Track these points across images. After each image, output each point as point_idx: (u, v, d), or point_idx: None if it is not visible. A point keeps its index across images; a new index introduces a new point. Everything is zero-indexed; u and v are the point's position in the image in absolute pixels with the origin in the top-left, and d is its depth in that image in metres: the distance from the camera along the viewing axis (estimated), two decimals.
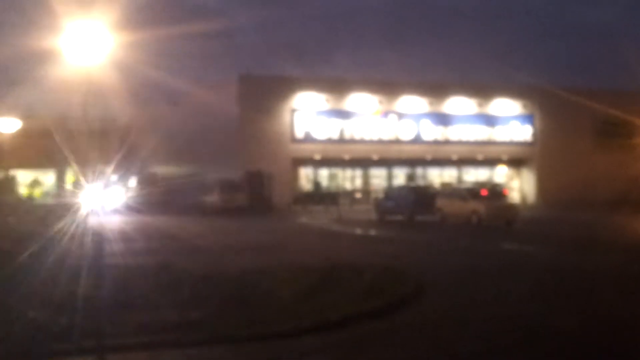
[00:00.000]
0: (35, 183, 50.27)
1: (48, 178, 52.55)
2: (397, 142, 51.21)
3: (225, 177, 44.00)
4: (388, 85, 51.18)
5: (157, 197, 53.60)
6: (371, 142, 50.70)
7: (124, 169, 62.35)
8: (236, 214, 38.94)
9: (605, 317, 10.23)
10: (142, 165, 61.62)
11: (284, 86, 48.73)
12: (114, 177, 41.40)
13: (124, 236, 20.64)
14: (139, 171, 58.24)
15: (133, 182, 56.25)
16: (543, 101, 53.95)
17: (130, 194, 55.47)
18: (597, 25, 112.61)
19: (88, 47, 20.53)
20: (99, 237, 9.05)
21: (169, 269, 12.58)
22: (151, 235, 23.16)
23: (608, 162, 52.25)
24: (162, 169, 59.27)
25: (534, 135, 54.71)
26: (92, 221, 20.72)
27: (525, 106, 54.55)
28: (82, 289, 9.90)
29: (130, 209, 37.90)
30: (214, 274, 12.60)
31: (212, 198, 42.61)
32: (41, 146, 49.42)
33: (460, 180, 52.83)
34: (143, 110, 63.66)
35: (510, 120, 54.26)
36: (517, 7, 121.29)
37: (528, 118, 54.79)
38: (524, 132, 54.68)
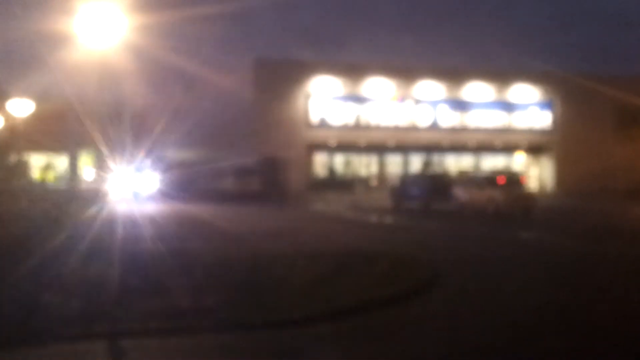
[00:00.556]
0: (48, 167, 50.28)
1: (61, 162, 52.56)
2: (414, 128, 50.75)
3: (239, 162, 43.77)
4: (405, 71, 50.63)
5: (172, 184, 53.63)
6: (387, 128, 50.27)
7: (142, 154, 62.53)
8: (251, 200, 38.74)
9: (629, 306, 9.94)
10: (158, 151, 61.63)
11: (299, 71, 48.35)
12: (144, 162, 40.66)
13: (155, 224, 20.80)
14: (154, 157, 58.20)
15: (149, 167, 56.15)
16: (562, 88, 53.24)
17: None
18: (617, 11, 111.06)
19: (102, 30, 20.33)
20: (113, 223, 9.16)
21: (184, 254, 12.62)
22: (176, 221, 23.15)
23: (628, 151, 51.53)
24: (176, 155, 59.22)
25: (553, 122, 54.05)
26: (124, 207, 20.86)
27: (544, 92, 53.84)
28: (94, 274, 10.12)
29: (159, 195, 38.61)
30: (228, 259, 12.56)
31: (227, 184, 42.39)
32: (55, 129, 49.46)
33: (477, 168, 52.28)
34: (158, 95, 63.60)
35: (528, 106, 53.62)
36: None
37: (547, 105, 54.10)
38: (543, 119, 54.02)
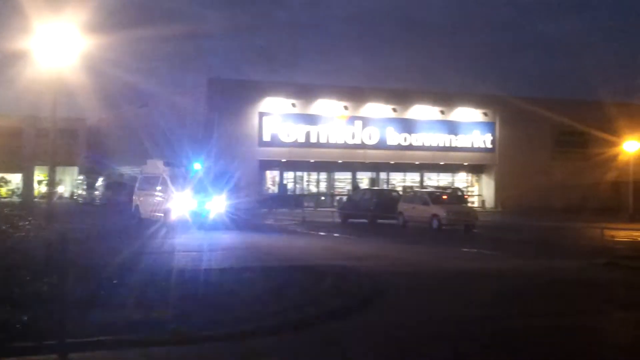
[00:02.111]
0: (1, 181, 50.05)
1: (16, 176, 52.46)
2: (362, 146, 52.15)
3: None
4: (354, 92, 52.17)
5: (124, 198, 53.79)
6: (336, 146, 51.56)
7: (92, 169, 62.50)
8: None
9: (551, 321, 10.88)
10: (110, 166, 61.75)
11: (253, 90, 49.35)
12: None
13: None
14: (106, 173, 58.29)
15: (100, 183, 56.13)
16: (503, 110, 55.32)
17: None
18: (556, 38, 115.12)
19: (58, 48, 21.03)
20: (62, 235, 8.85)
21: (132, 268, 12.62)
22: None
23: (565, 170, 53.86)
24: (129, 170, 59.44)
25: (494, 142, 56.04)
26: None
27: (486, 114, 55.86)
28: (45, 288, 9.97)
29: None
30: (178, 272, 12.73)
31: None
32: (9, 145, 49.45)
33: (422, 184, 53.95)
34: (113, 111, 63.87)
35: (471, 127, 55.53)
36: (479, 19, 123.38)
37: (489, 126, 56.12)
38: (485, 140, 56.01)
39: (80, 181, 62.02)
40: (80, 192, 60.23)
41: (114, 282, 11.43)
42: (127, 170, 59.18)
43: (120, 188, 54.78)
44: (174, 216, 28.39)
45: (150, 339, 8.88)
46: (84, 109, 59.39)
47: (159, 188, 30.30)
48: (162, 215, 29.02)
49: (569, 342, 9.53)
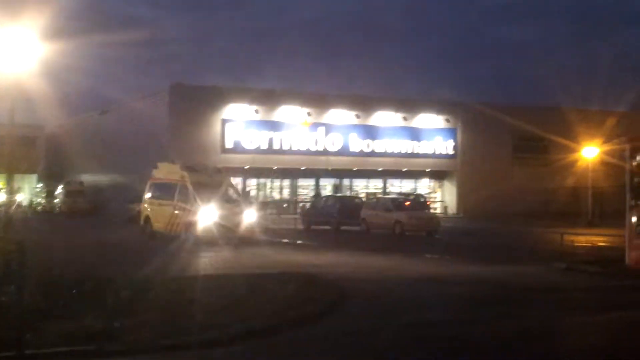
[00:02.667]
0: None
1: None
2: (325, 153, 52.20)
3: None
4: (317, 98, 52.22)
5: (84, 206, 53.17)
6: (299, 152, 51.54)
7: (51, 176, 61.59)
8: None
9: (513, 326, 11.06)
10: (70, 174, 60.94)
11: (215, 97, 49.10)
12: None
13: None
14: (66, 181, 57.51)
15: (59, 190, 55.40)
16: (465, 116, 55.89)
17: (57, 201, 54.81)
18: (515, 44, 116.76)
19: (16, 54, 20.68)
20: (20, 245, 8.77)
21: (92, 278, 12.43)
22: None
23: (525, 175, 54.57)
24: (89, 178, 58.74)
25: (456, 148, 56.54)
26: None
27: (448, 121, 56.35)
28: (4, 298, 9.61)
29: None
30: (138, 281, 12.63)
31: (139, 207, 42.52)
32: None
33: (385, 191, 54.17)
34: (73, 118, 63.07)
35: (433, 134, 55.95)
36: (440, 25, 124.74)
37: (451, 132, 56.61)
38: (447, 146, 56.48)
39: (39, 189, 61.13)
40: (39, 200, 59.37)
41: (74, 292, 11.25)
42: (87, 177, 58.49)
43: (80, 196, 54.23)
44: (199, 230, 24.41)
45: (109, 349, 8.77)
46: (43, 115, 58.57)
47: (177, 197, 26.06)
48: (184, 229, 25.06)
49: (528, 346, 9.61)
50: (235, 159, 49.60)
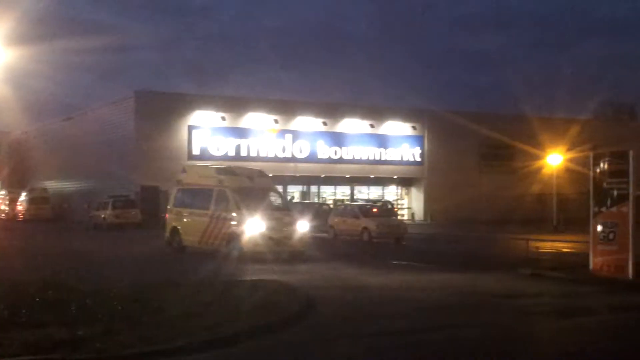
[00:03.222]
0: None
1: None
2: (293, 160, 52.17)
3: (118, 193, 43.67)
4: (284, 105, 52.22)
5: (48, 213, 52.53)
6: (267, 159, 51.41)
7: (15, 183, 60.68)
8: (128, 230, 38.73)
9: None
10: (34, 180, 60.13)
11: (182, 103, 48.83)
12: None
13: None
14: (30, 186, 56.79)
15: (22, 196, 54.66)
16: (431, 124, 56.30)
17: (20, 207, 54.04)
18: (481, 53, 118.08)
19: None
20: None
21: (56, 286, 12.26)
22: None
23: (492, 182, 55.07)
24: (53, 184, 58.02)
25: (423, 155, 56.89)
26: None
27: (414, 128, 56.68)
28: None
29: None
30: (103, 289, 12.44)
31: (104, 214, 42.21)
32: None
33: (352, 198, 54.27)
34: (37, 124, 62.24)
35: (400, 141, 56.25)
36: (405, 35, 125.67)
37: (418, 139, 56.95)
38: (414, 153, 56.80)
39: (2, 196, 60.21)
40: (2, 207, 58.49)
41: (37, 300, 11.06)
42: (51, 184, 57.74)
43: (44, 202, 53.54)
44: (244, 243, 21.14)
45: (74, 358, 8.60)
46: (7, 121, 57.73)
47: (214, 205, 22.51)
48: (224, 242, 21.78)
49: (492, 351, 9.64)
50: None
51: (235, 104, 50.70)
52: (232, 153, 50.14)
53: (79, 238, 32.42)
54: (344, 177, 54.82)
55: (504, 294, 15.00)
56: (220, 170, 24.05)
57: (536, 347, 10.15)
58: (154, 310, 11.15)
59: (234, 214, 21.78)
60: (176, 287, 13.39)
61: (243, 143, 50.60)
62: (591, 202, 17.64)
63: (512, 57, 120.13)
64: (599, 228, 17.28)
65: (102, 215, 42.30)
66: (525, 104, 70.78)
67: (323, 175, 53.87)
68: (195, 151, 49.08)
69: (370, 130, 54.97)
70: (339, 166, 53.85)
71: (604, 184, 17.27)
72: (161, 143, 47.46)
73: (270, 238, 21.34)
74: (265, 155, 51.27)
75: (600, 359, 9.52)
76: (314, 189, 55.28)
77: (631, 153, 16.92)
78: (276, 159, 51.60)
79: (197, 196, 23.92)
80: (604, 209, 17.26)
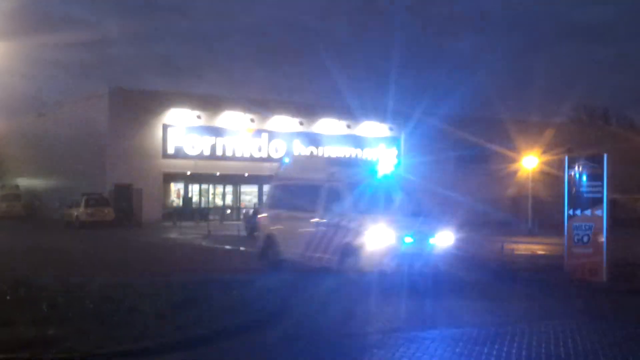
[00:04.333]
0: None
1: None
2: (269, 159, 51.98)
3: (91, 191, 43.24)
4: (260, 104, 51.93)
5: (19, 210, 51.91)
6: (243, 159, 51.23)
7: None
8: (101, 228, 38.39)
9: None
10: (5, 177, 59.31)
11: (156, 101, 48.40)
12: None
13: None
14: (1, 183, 56.05)
15: None
16: (408, 125, 56.32)
17: None
18: (457, 55, 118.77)
19: None
20: None
21: (27, 284, 12.12)
22: None
23: (467, 184, 55.22)
24: (25, 182, 57.31)
25: (399, 157, 56.95)
26: None
27: (391, 129, 56.74)
28: None
29: None
30: (76, 288, 12.24)
31: (77, 212, 41.77)
32: None
33: None
34: (9, 120, 61.39)
35: (377, 142, 56.28)
36: (381, 36, 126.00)
37: (394, 140, 57.03)
38: (390, 154, 56.79)
39: None
40: None
41: (7, 298, 10.95)
42: (23, 181, 57.02)
43: (16, 200, 52.92)
44: (365, 259, 15.20)
45: (43, 357, 8.48)
46: None
47: (322, 206, 16.80)
48: (337, 257, 15.90)
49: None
50: (177, 165, 49.03)
51: (211, 103, 50.40)
52: (207, 152, 49.88)
53: (53, 236, 32.03)
54: None
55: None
56: (332, 161, 18.81)
57: (509, 349, 10.10)
58: (126, 309, 10.96)
59: (351, 219, 15.91)
60: (146, 287, 13.07)
61: (219, 142, 50.34)
62: (566, 205, 17.70)
63: (488, 60, 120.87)
64: (574, 231, 17.34)
65: (75, 214, 41.87)
66: (500, 106, 71.18)
67: None
68: (170, 150, 48.74)
69: (346, 131, 54.97)
70: None
71: (579, 188, 17.35)
72: (135, 141, 47.06)
73: (402, 254, 15.28)
74: (241, 155, 51.07)
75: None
76: None
77: (606, 156, 17.04)
78: (252, 159, 51.42)
79: (299, 194, 17.86)
80: (578, 212, 17.34)
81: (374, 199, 16.34)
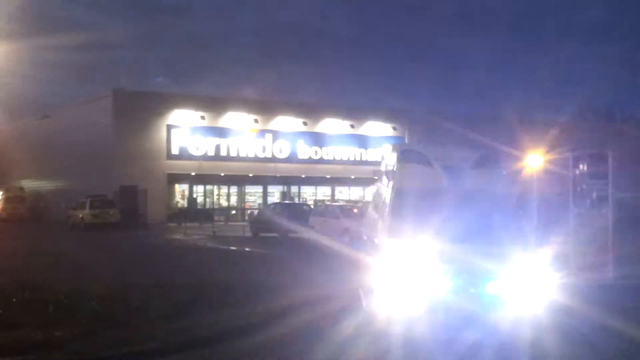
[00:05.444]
0: None
1: None
2: (273, 160, 52.02)
3: (96, 192, 43.24)
4: (264, 105, 51.95)
5: (24, 212, 51.99)
6: (247, 159, 51.25)
7: None
8: (107, 230, 38.38)
9: None
10: (10, 179, 59.42)
11: (160, 102, 48.46)
12: None
13: None
14: (6, 185, 56.16)
15: None
16: (412, 124, 56.26)
17: None
18: (462, 54, 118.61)
19: None
20: None
21: (33, 286, 12.17)
22: None
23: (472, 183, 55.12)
24: (30, 184, 57.42)
25: None
26: None
27: (395, 129, 56.71)
28: None
29: None
30: (81, 291, 12.31)
31: (82, 213, 41.80)
32: None
33: (333, 198, 54.14)
34: (13, 123, 61.50)
35: (381, 141, 56.17)
36: (386, 35, 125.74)
37: (398, 140, 56.93)
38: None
39: None
40: None
41: (13, 300, 10.97)
42: (28, 183, 57.12)
43: (20, 202, 52.99)
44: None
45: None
46: None
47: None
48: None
49: None
50: (182, 166, 49.09)
51: (215, 104, 50.44)
52: (211, 153, 49.93)
53: (58, 238, 32.05)
54: (325, 177, 54.71)
55: None
56: (479, 161, 11.92)
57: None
58: (131, 311, 11.02)
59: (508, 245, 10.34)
60: (152, 289, 13.06)
61: (223, 142, 50.38)
62: (571, 204, 17.68)
63: (492, 59, 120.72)
64: (579, 229, 17.32)
65: (80, 215, 41.89)
66: (505, 105, 71.06)
67: (303, 176, 53.72)
68: (175, 151, 48.80)
69: (350, 131, 54.96)
70: (319, 166, 53.76)
71: (584, 186, 17.33)
72: (140, 142, 47.11)
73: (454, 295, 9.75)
74: (245, 155, 51.10)
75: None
76: (294, 189, 55.10)
77: (610, 154, 17.00)
78: (256, 159, 51.45)
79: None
80: (583, 210, 17.31)
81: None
